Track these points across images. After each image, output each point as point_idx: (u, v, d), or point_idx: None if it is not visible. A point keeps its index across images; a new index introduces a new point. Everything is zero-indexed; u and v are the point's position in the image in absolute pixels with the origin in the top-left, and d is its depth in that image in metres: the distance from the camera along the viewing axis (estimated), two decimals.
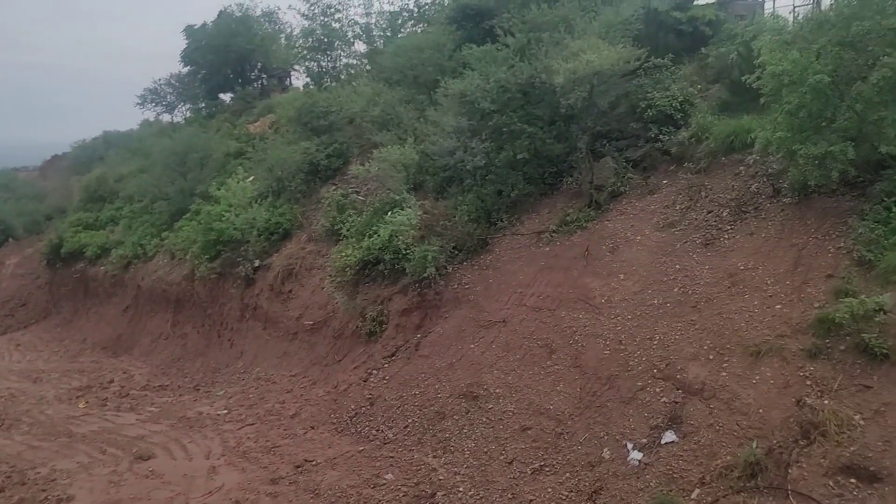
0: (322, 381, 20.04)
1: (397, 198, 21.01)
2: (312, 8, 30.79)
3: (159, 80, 44.69)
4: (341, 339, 21.29)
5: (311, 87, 33.28)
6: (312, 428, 17.19)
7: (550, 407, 14.07)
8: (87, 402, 21.61)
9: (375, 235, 20.79)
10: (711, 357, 12.72)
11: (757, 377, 11.84)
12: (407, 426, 15.89)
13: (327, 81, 31.78)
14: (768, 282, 13.29)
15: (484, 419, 14.77)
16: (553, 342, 15.37)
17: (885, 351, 10.77)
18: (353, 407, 17.51)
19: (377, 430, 16.28)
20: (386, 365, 18.72)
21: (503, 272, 18.29)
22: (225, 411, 19.48)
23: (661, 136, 18.44)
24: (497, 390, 15.21)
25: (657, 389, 12.98)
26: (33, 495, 14.50)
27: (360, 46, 32.12)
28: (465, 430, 14.77)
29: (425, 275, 18.85)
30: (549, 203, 19.62)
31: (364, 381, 18.56)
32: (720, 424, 11.63)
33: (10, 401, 21.90)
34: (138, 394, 22.27)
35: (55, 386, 23.63)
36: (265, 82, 42.31)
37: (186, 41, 41.76)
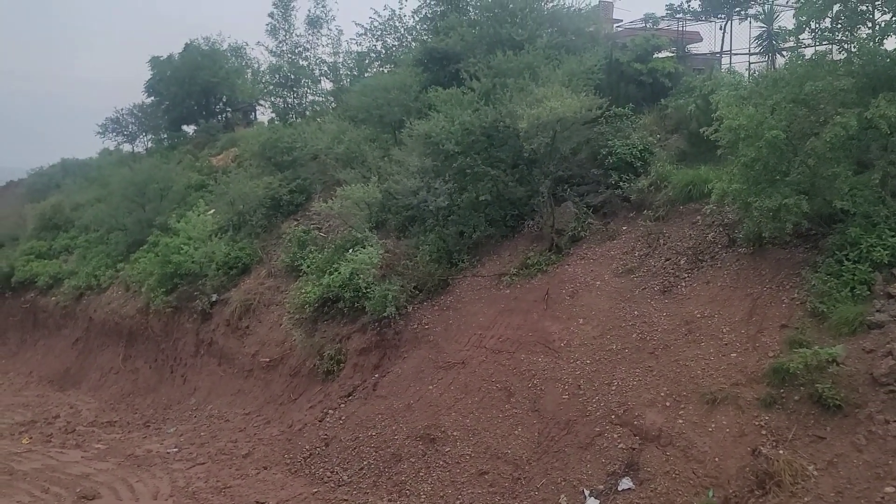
0: (277, 420, 19.60)
1: (359, 236, 20.93)
2: (280, 45, 31.01)
3: (121, 109, 44.10)
4: (298, 378, 20.91)
5: (276, 122, 33.25)
6: (265, 468, 16.72)
7: (508, 451, 13.96)
8: (30, 438, 20.73)
9: (336, 273, 20.62)
10: (668, 404, 12.81)
11: (713, 425, 11.95)
12: (362, 468, 15.58)
13: (292, 117, 31.80)
14: (724, 330, 13.51)
15: (441, 462, 14.57)
16: (512, 385, 15.32)
17: (837, 402, 10.98)
18: (307, 447, 17.11)
19: (332, 472, 15.91)
20: (342, 405, 18.40)
21: (463, 313, 18.26)
22: (175, 449, 18.88)
23: (621, 183, 18.82)
24: (455, 433, 15.04)
25: (615, 435, 13.00)
26: None
27: (327, 84, 32.33)
28: (421, 474, 14.53)
29: (385, 314, 18.72)
30: (510, 245, 19.76)
31: (320, 421, 18.19)
32: (677, 472, 11.66)
33: None
34: (85, 430, 21.46)
35: None
36: (229, 116, 42.12)
37: (151, 71, 41.42)
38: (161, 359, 25.47)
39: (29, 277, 32.90)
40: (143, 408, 23.44)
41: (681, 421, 12.35)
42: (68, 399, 25.41)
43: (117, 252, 30.67)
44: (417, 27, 29.94)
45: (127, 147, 45.65)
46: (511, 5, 23.61)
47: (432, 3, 28.03)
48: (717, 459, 11.45)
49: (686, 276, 15.37)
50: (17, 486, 16.74)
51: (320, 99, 31.84)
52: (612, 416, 13.30)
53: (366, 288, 19.29)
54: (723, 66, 24.72)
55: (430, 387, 16.71)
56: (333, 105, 31.20)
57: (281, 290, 23.53)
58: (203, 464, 17.59)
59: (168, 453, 18.68)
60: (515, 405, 14.82)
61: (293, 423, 18.68)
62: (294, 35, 31.29)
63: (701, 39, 26.86)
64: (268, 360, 21.82)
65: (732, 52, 25.43)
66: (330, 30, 32.50)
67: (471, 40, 23.85)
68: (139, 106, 43.41)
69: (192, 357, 24.66)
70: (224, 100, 42.10)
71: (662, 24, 25.53)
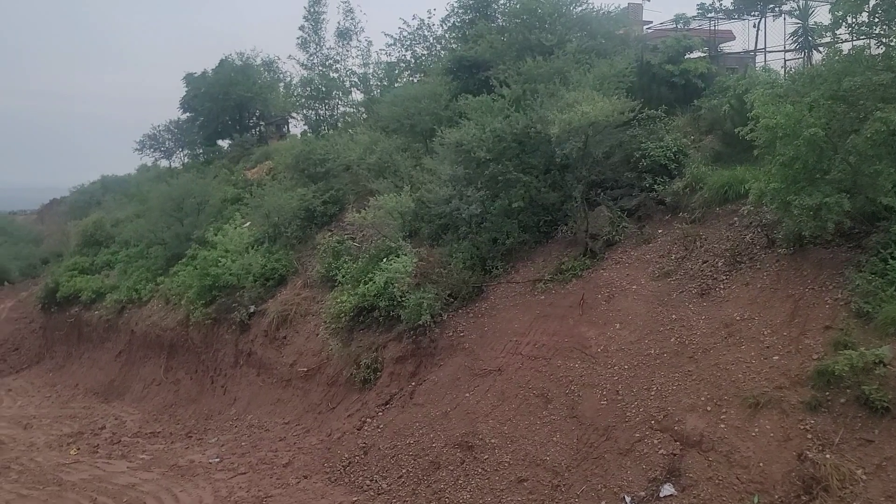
0: (316, 429, 19.77)
1: (393, 245, 21.06)
2: (311, 58, 31.43)
3: (158, 125, 45.19)
4: (335, 387, 21.07)
5: (309, 134, 33.67)
6: (305, 477, 16.88)
7: (547, 458, 13.87)
8: (78, 449, 21.23)
9: (371, 282, 20.78)
10: (709, 408, 12.61)
11: (756, 430, 11.73)
12: (401, 476, 15.62)
13: (325, 129, 32.17)
14: (765, 332, 13.26)
15: (479, 470, 14.54)
16: (549, 392, 15.24)
17: (885, 404, 10.70)
18: (346, 456, 17.22)
19: (371, 481, 15.99)
20: (380, 413, 18.50)
21: (498, 320, 18.22)
22: (217, 459, 19.15)
23: (655, 186, 18.62)
24: (493, 440, 15.01)
25: (655, 441, 12.83)
26: None
27: (358, 95, 32.64)
28: (460, 482, 14.51)
29: (420, 322, 18.77)
30: (543, 251, 19.68)
31: (358, 430, 18.31)
32: (720, 478, 11.46)
33: None
34: (130, 441, 21.89)
35: (46, 432, 23.22)
36: (263, 129, 42.78)
37: (186, 88, 42.34)
38: (201, 370, 25.86)
39: (73, 292, 33.71)
40: (185, 418, 23.80)
41: (723, 426, 12.15)
42: (113, 410, 25.93)
43: (157, 266, 31.28)
44: (446, 36, 30.11)
45: (164, 163, 46.78)
46: (539, 11, 23.55)
47: (461, 11, 28.15)
48: (761, 464, 11.23)
49: (724, 278, 15.14)
50: (66, 497, 17.18)
51: (351, 110, 32.18)
52: (652, 422, 13.14)
53: (400, 297, 19.37)
54: (757, 65, 24.33)
55: (467, 394, 16.70)
56: (364, 116, 31.49)
57: (317, 301, 23.76)
58: (244, 473, 17.81)
59: (210, 463, 18.95)
60: (553, 412, 14.73)
61: (332, 431, 18.83)
62: (324, 48, 31.72)
63: (734, 38, 26.50)
64: (305, 369, 22.03)
65: (767, 49, 25.00)
66: (359, 41, 32.93)
67: (500, 47, 23.89)
68: (175, 122, 44.41)
69: (232, 368, 25.00)
70: (257, 114, 42.81)
71: (694, 24, 25.22)
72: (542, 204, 19.83)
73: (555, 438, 14.18)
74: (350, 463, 16.93)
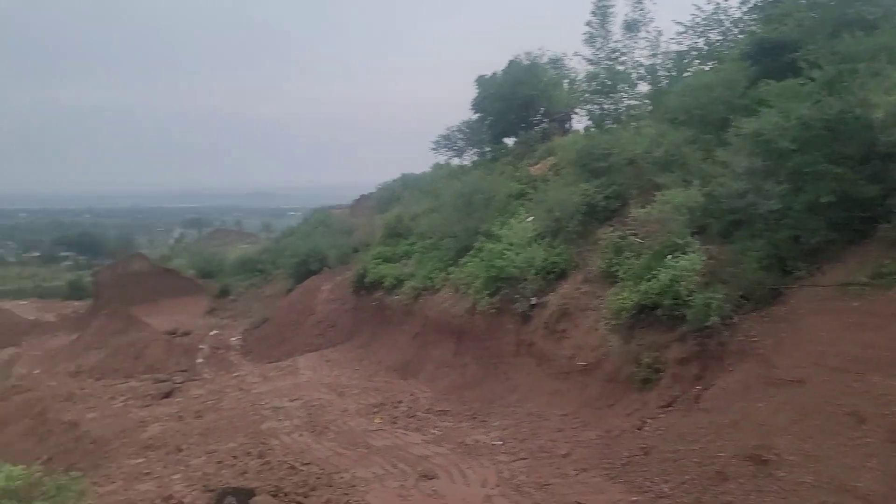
0: (593, 423, 19.83)
1: (679, 241, 20.23)
2: (597, 53, 31.33)
3: (451, 127, 48.63)
4: (614, 384, 20.93)
5: (592, 129, 33.65)
6: (584, 470, 17.03)
7: (859, 485, 12.29)
8: (381, 419, 23.84)
9: (654, 279, 20.20)
10: None
11: None
12: (684, 482, 14.98)
13: (608, 123, 31.89)
14: None
15: (774, 488, 13.37)
16: (862, 410, 13.47)
17: None
18: (625, 454, 17.02)
19: (651, 483, 15.58)
20: (661, 415, 17.97)
21: (799, 327, 16.55)
22: (499, 442, 20.17)
23: None
24: (790, 457, 13.70)
25: None
26: (338, 498, 16.32)
27: (644, 87, 31.77)
28: (751, 497, 13.49)
29: (707, 324, 17.79)
30: (857, 252, 17.39)
31: (638, 429, 18.01)
32: None
33: (319, 410, 25.00)
34: (423, 416, 24.02)
35: (355, 400, 26.45)
36: (547, 126, 43.75)
37: (477, 90, 44.96)
38: (485, 356, 27.36)
39: (378, 279, 37.86)
40: (470, 400, 25.40)
41: None
42: (409, 387, 28.61)
43: (448, 257, 33.76)
44: (745, 18, 27.97)
45: (455, 161, 50.21)
46: None
47: None
48: None
49: None
50: (372, 459, 19.45)
51: (637, 102, 31.44)
52: None
53: (686, 296, 18.57)
54: None
55: (760, 404, 15.46)
56: (650, 108, 30.61)
57: (596, 296, 23.76)
58: (524, 459, 18.52)
59: (493, 445, 20.02)
60: (867, 433, 13.00)
61: (610, 428, 18.74)
62: (611, 41, 31.38)
63: None
64: (584, 363, 22.19)
65: None
66: (647, 32, 31.94)
67: (810, 25, 21.58)
68: (466, 122, 47.42)
69: (513, 356, 26.08)
70: (542, 111, 43.91)
71: None
72: (856, 198, 17.49)
73: (869, 464, 12.51)
74: (629, 462, 16.70)
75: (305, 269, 53.71)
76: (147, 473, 19.48)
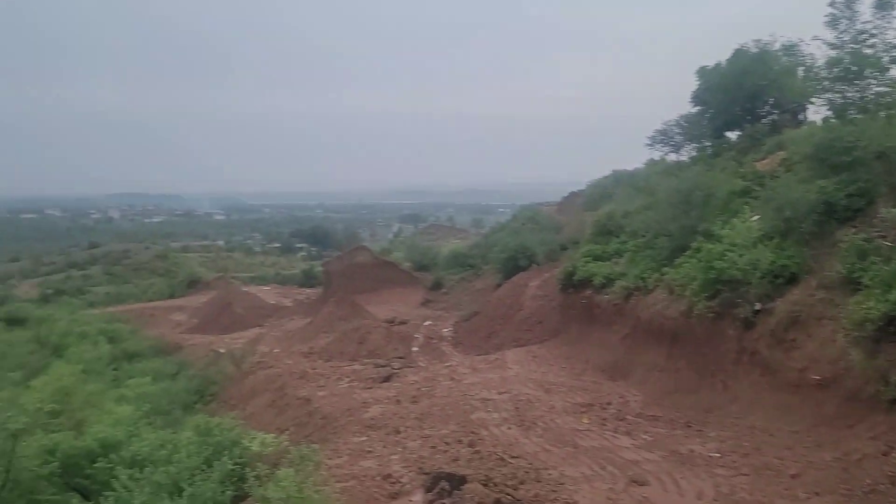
0: (829, 444, 17.97)
1: None
2: (841, 36, 28.09)
3: (669, 121, 46.55)
4: (854, 402, 18.79)
5: (832, 120, 30.34)
6: (816, 494, 15.52)
7: None
8: (589, 419, 23.59)
9: None
10: None
11: None
12: None
13: (852, 113, 28.53)
14: None
15: None
16: None
17: None
18: (868, 482, 15.25)
19: None
20: None
21: None
22: (717, 454, 19.04)
23: None
24: None
25: None
26: (546, 494, 16.43)
27: None
28: None
29: None
30: None
31: (883, 455, 16.04)
32: None
33: (527, 405, 25.31)
34: (633, 420, 23.36)
35: (562, 398, 26.41)
36: (776, 118, 40.24)
37: (698, 81, 42.58)
38: (702, 362, 25.94)
39: (587, 277, 37.41)
40: (684, 407, 24.24)
41: None
42: (617, 389, 27.98)
43: (662, 257, 32.42)
44: None
45: (672, 157, 48.02)
46: None
47: None
48: None
49: None
50: (580, 459, 19.32)
51: (887, 89, 27.76)
52: None
53: None
54: None
55: None
56: None
57: (835, 304, 21.46)
58: (746, 475, 17.29)
59: (710, 457, 18.94)
60: None
61: (850, 451, 16.86)
62: (858, 23, 27.97)
63: None
64: (819, 378, 20.17)
65: None
66: None
67: None
68: (684, 116, 45.13)
69: (733, 364, 24.43)
70: (771, 102, 40.50)
71: None
72: None
73: None
74: (872, 490, 14.94)
75: (514, 265, 54.66)
76: (369, 451, 20.97)
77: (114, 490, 15.76)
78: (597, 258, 38.68)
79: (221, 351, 47.28)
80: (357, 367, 37.53)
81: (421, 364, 39.13)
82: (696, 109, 44.03)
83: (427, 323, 54.91)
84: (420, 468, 18.48)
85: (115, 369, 40.09)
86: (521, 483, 17.04)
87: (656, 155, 50.18)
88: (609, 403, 25.66)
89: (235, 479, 16.16)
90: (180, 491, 15.42)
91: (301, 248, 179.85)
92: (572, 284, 39.14)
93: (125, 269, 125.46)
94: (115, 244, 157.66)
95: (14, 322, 52.85)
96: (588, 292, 37.23)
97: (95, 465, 18.32)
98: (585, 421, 23.38)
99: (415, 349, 45.03)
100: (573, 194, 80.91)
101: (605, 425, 22.85)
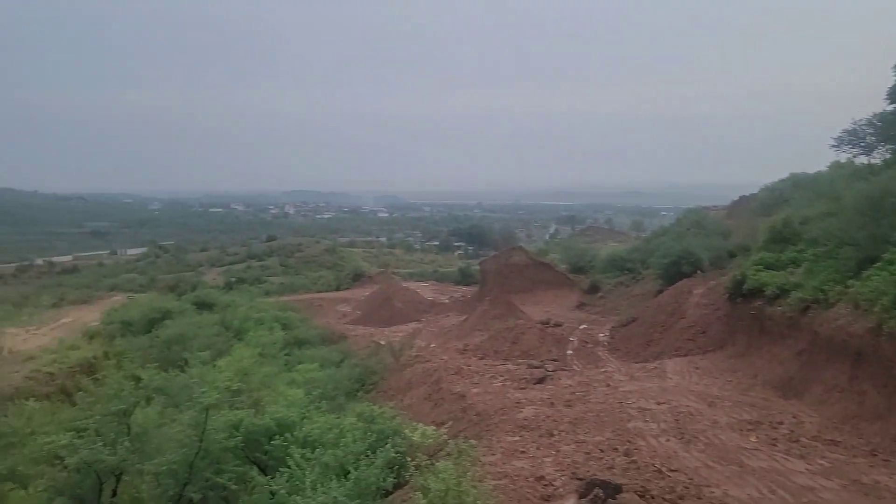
0: None
1: None
2: None
3: (860, 120, 42.53)
4: None
5: None
6: None
7: None
8: (757, 437, 22.13)
9: None
10: None
11: None
12: None
13: None
14: None
15: None
16: None
17: None
18: None
19: None
20: None
21: None
22: None
23: None
24: None
25: None
26: None
27: None
28: None
29: None
30: None
31: None
32: None
33: (688, 418, 24.18)
34: (808, 442, 21.61)
35: (727, 414, 24.95)
36: None
37: (895, 77, 38.61)
38: (892, 385, 23.47)
39: (758, 286, 35.06)
40: (869, 434, 22.10)
41: None
42: (790, 408, 26.01)
43: (847, 268, 29.70)
44: None
45: (862, 159, 43.88)
46: None
47: None
48: None
49: None
50: (746, 479, 18.18)
51: None
52: None
53: None
54: None
55: None
56: None
57: None
58: None
59: None
60: None
61: None
62: None
63: None
64: None
65: None
66: None
67: None
68: (878, 115, 41.04)
69: None
70: None
71: None
72: None
73: None
74: None
75: (676, 271, 52.50)
76: (522, 452, 21.03)
77: (288, 467, 17.03)
78: (769, 267, 36.17)
79: (382, 343, 49.49)
80: (510, 366, 37.72)
81: (575, 368, 38.63)
82: (892, 107, 39.90)
83: (582, 326, 54.08)
84: (573, 473, 18.28)
85: (287, 354, 43.09)
86: (681, 498, 16.36)
87: (843, 157, 46.11)
88: (780, 423, 23.90)
89: (396, 466, 16.89)
90: (346, 473, 16.38)
91: (458, 247, 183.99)
92: (741, 293, 36.88)
93: (297, 261, 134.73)
94: (289, 238, 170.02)
95: (203, 306, 58.27)
96: (759, 303, 34.89)
97: (273, 442, 19.89)
98: (753, 439, 21.95)
99: (569, 352, 44.52)
100: (744, 198, 76.35)
101: (775, 446, 21.32)
